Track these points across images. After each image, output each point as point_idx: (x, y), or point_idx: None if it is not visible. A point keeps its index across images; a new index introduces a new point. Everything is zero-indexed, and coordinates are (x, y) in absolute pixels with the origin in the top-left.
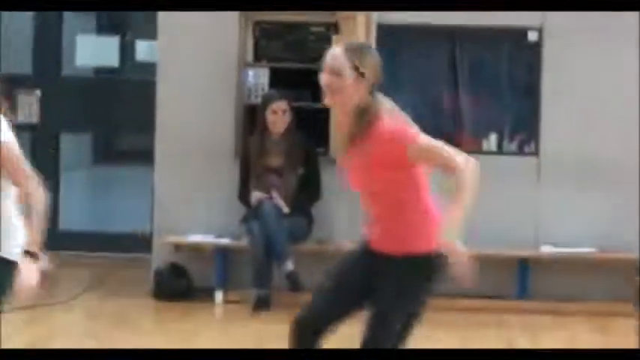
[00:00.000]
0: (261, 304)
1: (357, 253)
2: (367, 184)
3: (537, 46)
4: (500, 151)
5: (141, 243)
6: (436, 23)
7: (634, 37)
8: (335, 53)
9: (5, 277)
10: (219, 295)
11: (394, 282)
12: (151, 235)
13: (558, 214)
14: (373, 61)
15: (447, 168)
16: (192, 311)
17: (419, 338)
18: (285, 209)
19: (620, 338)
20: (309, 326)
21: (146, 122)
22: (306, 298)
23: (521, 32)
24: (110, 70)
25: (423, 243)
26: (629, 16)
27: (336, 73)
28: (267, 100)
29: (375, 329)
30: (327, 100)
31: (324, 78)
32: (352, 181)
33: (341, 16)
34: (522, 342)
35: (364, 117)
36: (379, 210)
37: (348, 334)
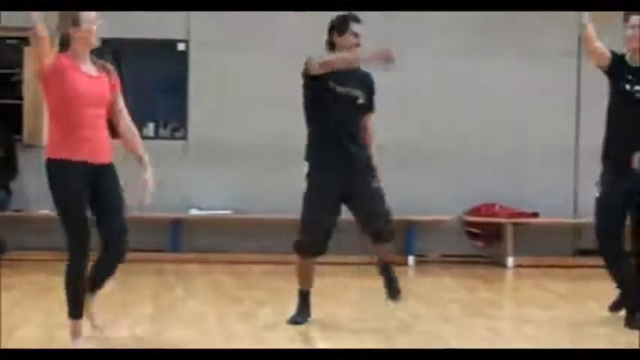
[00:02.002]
0: None
1: (78, 181)
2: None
3: (185, 55)
4: (156, 136)
5: None
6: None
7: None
8: None
9: None
10: None
11: (117, 179)
12: None
13: (203, 185)
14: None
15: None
16: None
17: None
18: None
19: (252, 279)
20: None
21: None
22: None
23: (172, 43)
24: None
25: None
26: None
27: None
28: None
29: (122, 216)
30: None
31: None
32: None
33: (30, 32)
34: (176, 285)
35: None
36: (100, 126)
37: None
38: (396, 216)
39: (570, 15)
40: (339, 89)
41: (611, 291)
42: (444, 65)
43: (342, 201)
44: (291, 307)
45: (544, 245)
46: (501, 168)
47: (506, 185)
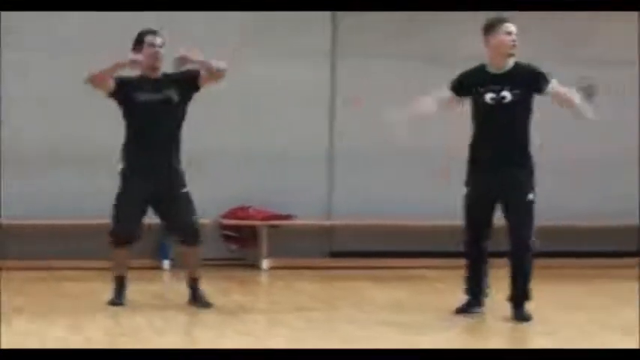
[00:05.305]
0: None
1: None
2: None
3: None
4: None
5: None
6: None
7: None
8: None
9: None
10: None
11: None
12: None
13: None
14: None
15: None
16: None
17: None
18: None
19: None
20: None
21: None
22: None
23: None
24: None
25: None
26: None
27: None
28: None
29: None
30: None
31: None
32: None
33: None
34: None
35: None
36: None
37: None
38: (150, 220)
39: (325, 14)
40: (145, 97)
41: (363, 291)
42: None
43: (149, 204)
44: (50, 314)
45: (299, 247)
46: (258, 170)
47: (263, 187)
